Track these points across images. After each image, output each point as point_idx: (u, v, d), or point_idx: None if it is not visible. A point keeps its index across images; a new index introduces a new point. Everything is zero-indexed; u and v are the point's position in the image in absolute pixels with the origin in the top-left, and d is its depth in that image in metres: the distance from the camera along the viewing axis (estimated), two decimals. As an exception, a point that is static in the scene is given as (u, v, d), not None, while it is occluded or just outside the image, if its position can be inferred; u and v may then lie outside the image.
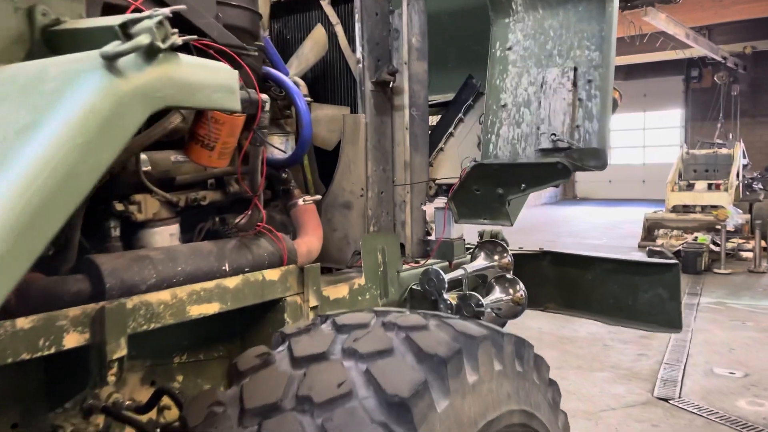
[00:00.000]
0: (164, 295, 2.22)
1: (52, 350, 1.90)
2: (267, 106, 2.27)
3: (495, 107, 3.15)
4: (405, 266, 3.39)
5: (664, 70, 26.65)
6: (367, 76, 3.46)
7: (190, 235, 2.74)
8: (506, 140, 3.11)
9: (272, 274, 2.62)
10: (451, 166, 3.93)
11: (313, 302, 2.76)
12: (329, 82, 3.66)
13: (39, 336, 1.87)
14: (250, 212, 2.55)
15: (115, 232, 2.41)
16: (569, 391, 6.35)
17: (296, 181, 3.24)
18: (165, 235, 2.65)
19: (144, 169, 2.66)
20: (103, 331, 1.96)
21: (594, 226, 20.59)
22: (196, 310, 2.31)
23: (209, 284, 2.37)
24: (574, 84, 2.89)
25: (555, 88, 2.93)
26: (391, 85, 3.50)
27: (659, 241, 14.17)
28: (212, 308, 2.37)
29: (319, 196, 3.23)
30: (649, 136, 29.97)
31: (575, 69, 2.91)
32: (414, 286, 3.44)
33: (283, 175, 3.15)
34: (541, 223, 21.47)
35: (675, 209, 15.50)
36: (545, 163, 2.93)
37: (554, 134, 2.87)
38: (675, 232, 14.73)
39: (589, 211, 25.55)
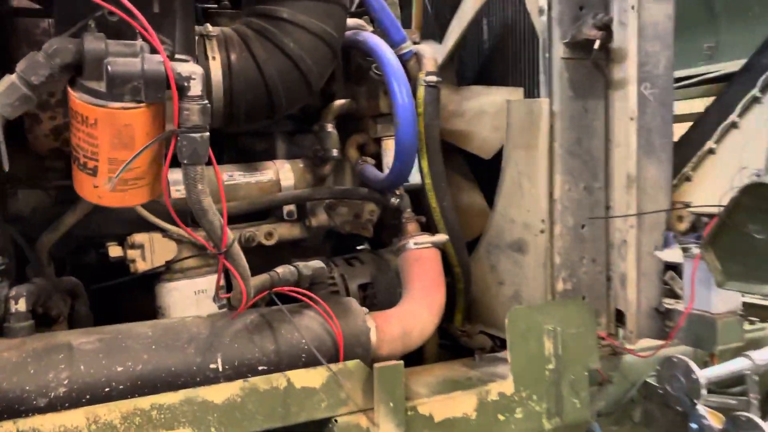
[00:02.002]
0: (72, 418, 1.30)
1: None
2: (194, 85, 1.14)
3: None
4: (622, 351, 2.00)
5: None
6: (557, 34, 2.09)
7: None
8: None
9: (307, 378, 1.52)
10: (722, 181, 2.28)
11: (387, 428, 1.58)
12: (505, 51, 2.36)
13: None
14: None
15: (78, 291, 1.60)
16: None
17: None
18: (185, 295, 1.75)
19: (175, 194, 1.81)
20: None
21: None
22: (141, 444, 1.35)
23: (170, 398, 1.39)
24: None
25: None
26: (599, 46, 2.05)
27: None
28: (175, 439, 1.38)
29: (441, 237, 1.99)
30: None
31: None
32: (650, 380, 2.03)
33: (393, 200, 2.00)
34: None
35: None
36: None
37: None
38: None
39: None
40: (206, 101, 1.17)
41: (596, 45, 2.06)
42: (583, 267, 2.21)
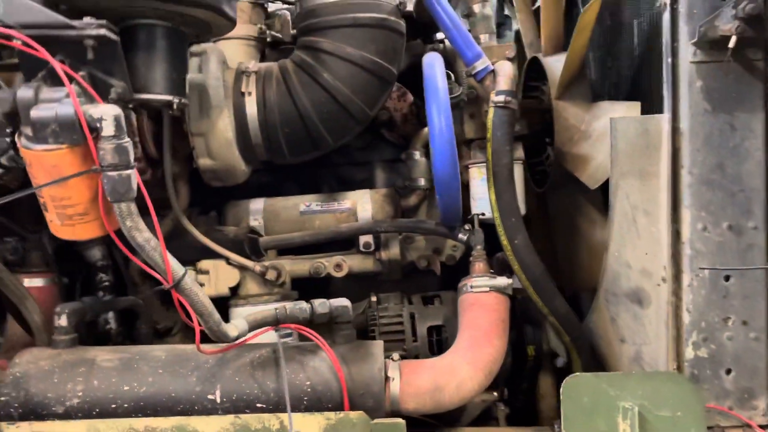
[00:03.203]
0: (75, 428, 1.46)
1: None
2: (106, 126, 1.13)
3: None
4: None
5: None
6: (684, 33, 1.68)
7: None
8: None
9: (301, 422, 1.47)
10: None
11: (385, 496, 1.42)
12: (652, 58, 1.95)
13: None
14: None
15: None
16: None
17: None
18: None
19: (253, 222, 1.93)
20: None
21: None
22: (134, 462, 1.45)
23: (162, 423, 1.46)
24: None
25: None
26: (736, 44, 1.58)
27: None
28: (165, 464, 1.44)
29: (503, 281, 1.71)
30: None
31: None
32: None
33: (461, 235, 1.79)
34: None
35: None
36: None
37: None
38: None
39: None
40: (124, 140, 1.19)
41: (731, 42, 1.59)
42: (728, 331, 1.71)
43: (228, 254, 1.86)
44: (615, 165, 1.79)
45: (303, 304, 1.58)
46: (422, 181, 2.01)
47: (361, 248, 1.97)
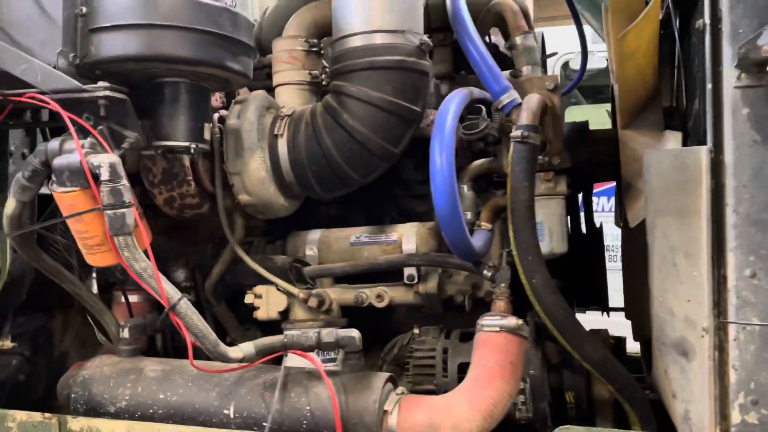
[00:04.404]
0: (119, 427, 1.73)
1: (5, 448, 1.83)
2: (104, 172, 1.34)
3: None
4: None
5: None
6: (728, 56, 1.54)
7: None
8: None
9: None
10: None
11: None
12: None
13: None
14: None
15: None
16: None
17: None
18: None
19: (308, 252, 2.12)
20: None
21: None
22: (159, 461, 1.68)
23: (183, 430, 1.67)
24: None
25: None
26: None
27: None
28: (183, 466, 1.65)
29: (511, 321, 1.64)
30: None
31: None
32: None
33: (485, 272, 1.78)
34: None
35: None
36: None
37: None
38: None
39: None
40: (119, 183, 1.40)
41: (773, 64, 1.43)
42: (786, 389, 1.50)
43: (277, 281, 2.02)
44: (650, 202, 1.65)
45: (310, 333, 1.68)
46: (468, 215, 2.00)
47: (405, 280, 2.02)
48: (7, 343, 2.05)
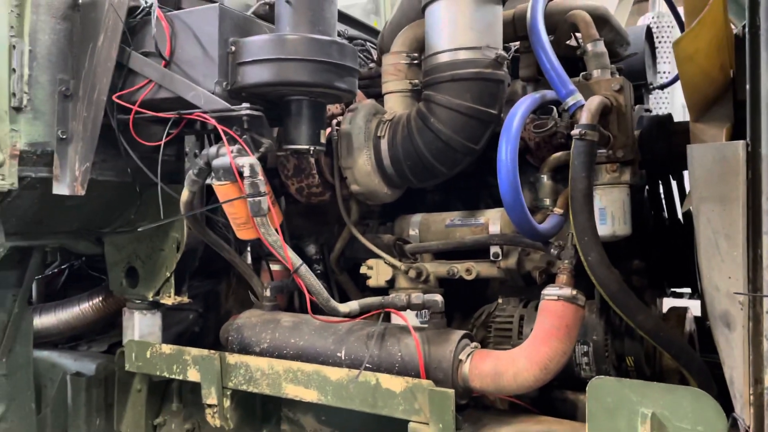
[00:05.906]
0: (262, 362, 2.28)
1: (181, 377, 2.45)
2: (245, 170, 1.88)
3: None
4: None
5: None
6: (765, 57, 1.75)
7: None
8: None
9: (390, 383, 2.03)
10: None
11: (437, 441, 1.90)
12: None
13: (173, 363, 2.46)
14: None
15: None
16: None
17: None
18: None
19: (411, 232, 2.58)
20: (206, 378, 2.29)
21: None
22: (292, 391, 2.22)
23: (307, 367, 2.19)
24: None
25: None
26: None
27: None
28: (309, 395, 2.18)
29: (566, 290, 1.94)
30: None
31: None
32: None
33: (552, 250, 2.09)
34: None
35: None
36: None
37: None
38: None
39: None
40: (256, 178, 1.90)
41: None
42: (815, 358, 1.70)
43: (384, 255, 2.47)
44: (695, 190, 1.87)
45: (402, 296, 2.10)
46: (547, 201, 2.30)
47: (491, 257, 2.38)
48: (186, 299, 2.68)
